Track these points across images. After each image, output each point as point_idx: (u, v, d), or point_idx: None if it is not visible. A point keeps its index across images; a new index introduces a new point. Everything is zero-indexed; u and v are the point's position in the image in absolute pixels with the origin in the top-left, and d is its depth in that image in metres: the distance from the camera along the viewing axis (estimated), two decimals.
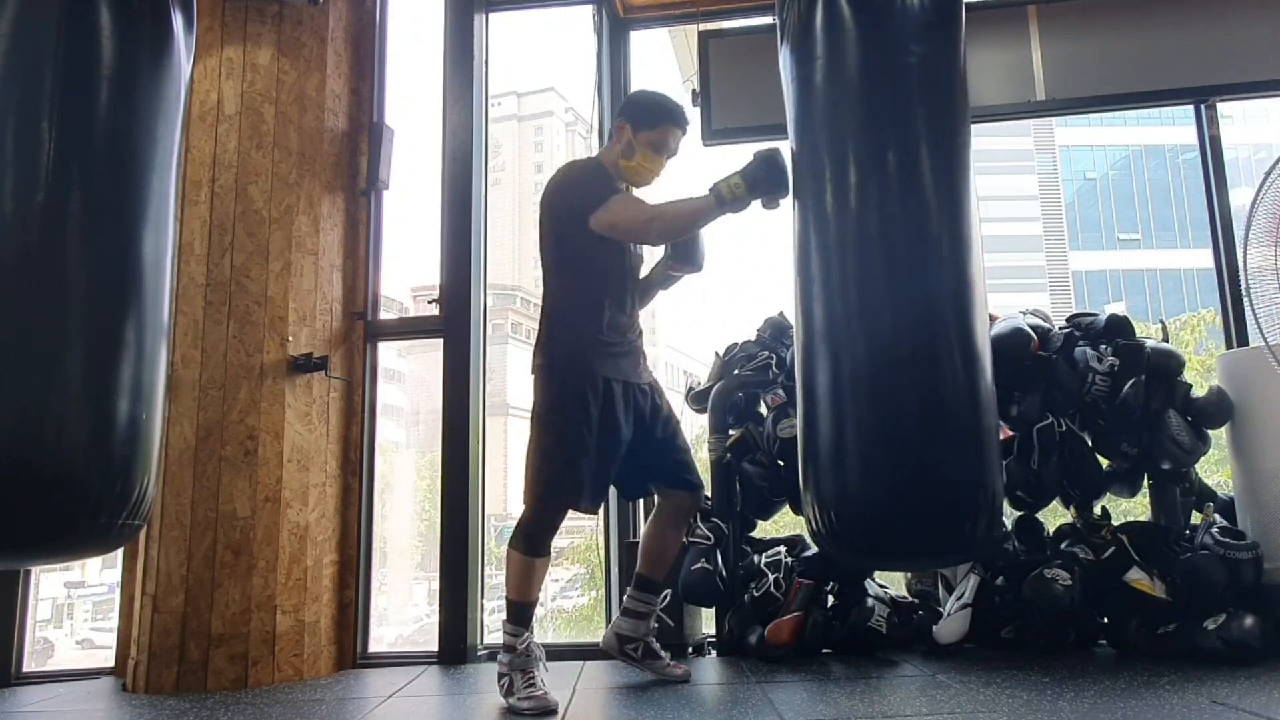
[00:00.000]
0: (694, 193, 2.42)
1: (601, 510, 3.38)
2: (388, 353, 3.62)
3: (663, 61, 4.37)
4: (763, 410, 3.21)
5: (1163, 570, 2.68)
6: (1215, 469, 4.96)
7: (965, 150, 2.44)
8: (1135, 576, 2.68)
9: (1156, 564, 2.70)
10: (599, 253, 2.47)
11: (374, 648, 3.28)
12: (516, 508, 2.47)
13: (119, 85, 2.03)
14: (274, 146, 3.20)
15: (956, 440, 2.25)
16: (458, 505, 3.26)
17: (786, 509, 3.17)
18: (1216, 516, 2.78)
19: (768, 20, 3.70)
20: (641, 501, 3.28)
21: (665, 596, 2.68)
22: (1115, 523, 2.88)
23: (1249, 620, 2.47)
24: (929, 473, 2.22)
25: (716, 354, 3.33)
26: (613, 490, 2.84)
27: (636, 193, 2.65)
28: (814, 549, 2.99)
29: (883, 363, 2.26)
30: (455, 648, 3.15)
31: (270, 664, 2.90)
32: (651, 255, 2.69)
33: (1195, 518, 2.88)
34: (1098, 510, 2.94)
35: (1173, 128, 32.23)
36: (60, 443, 1.86)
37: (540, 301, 2.55)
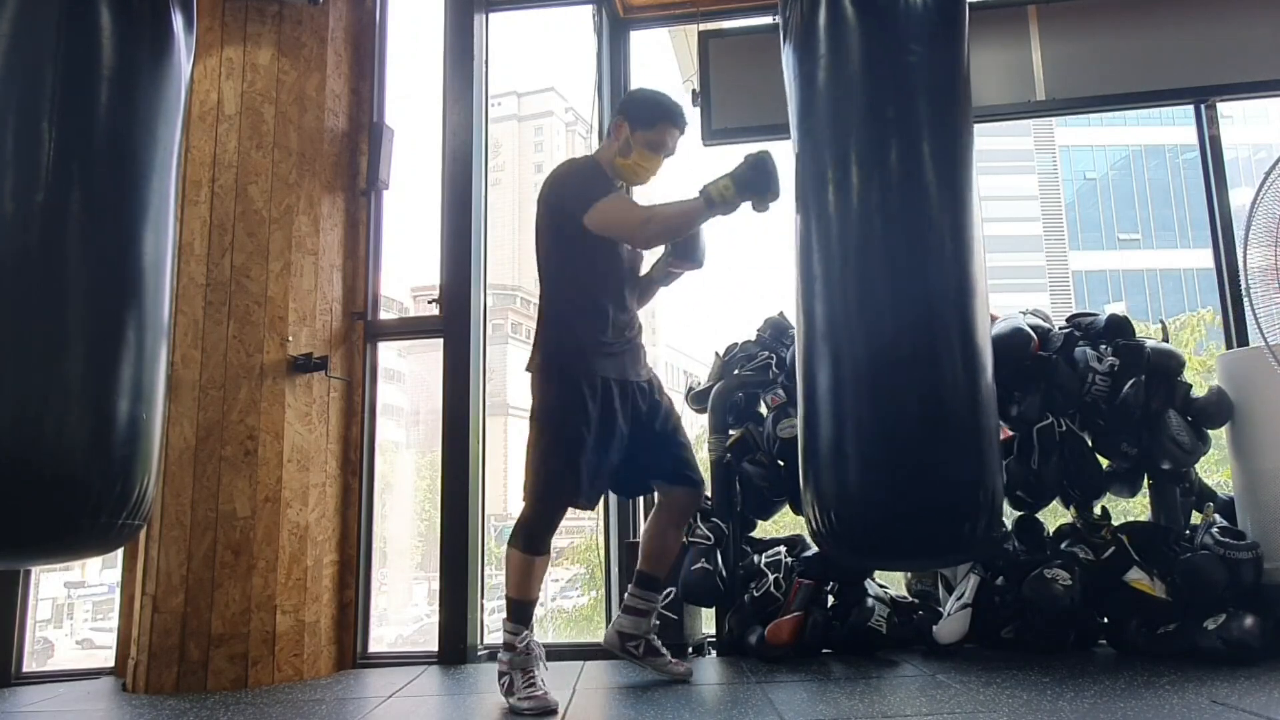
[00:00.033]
0: (685, 195, 2.42)
1: (601, 510, 3.39)
2: (388, 353, 3.62)
3: (663, 61, 4.37)
4: (763, 410, 3.21)
5: (1163, 570, 2.68)
6: (1215, 469, 4.96)
7: (968, 150, 2.44)
8: (1135, 576, 2.68)
9: (1156, 564, 2.70)
10: (596, 251, 2.46)
11: (374, 648, 3.28)
12: (516, 508, 2.47)
13: (119, 85, 2.04)
14: (274, 146, 3.20)
15: (957, 440, 2.25)
16: (458, 505, 3.26)
17: (786, 509, 3.17)
18: (1216, 516, 2.78)
19: (768, 20, 3.70)
20: (641, 501, 3.28)
21: (668, 594, 2.68)
22: (1115, 523, 2.88)
23: (1249, 620, 2.47)
24: (929, 472, 2.22)
25: (716, 354, 3.33)
26: (613, 491, 2.84)
27: (635, 192, 2.65)
28: (814, 549, 2.99)
29: (884, 362, 2.26)
30: (455, 648, 3.15)
31: (270, 664, 2.90)
32: (652, 252, 2.69)
33: (1195, 518, 2.88)
34: (1098, 510, 2.94)
35: (1173, 128, 32.23)
36: (60, 442, 1.86)
37: (537, 300, 2.55)
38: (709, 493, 3.09)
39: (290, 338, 3.10)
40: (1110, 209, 36.35)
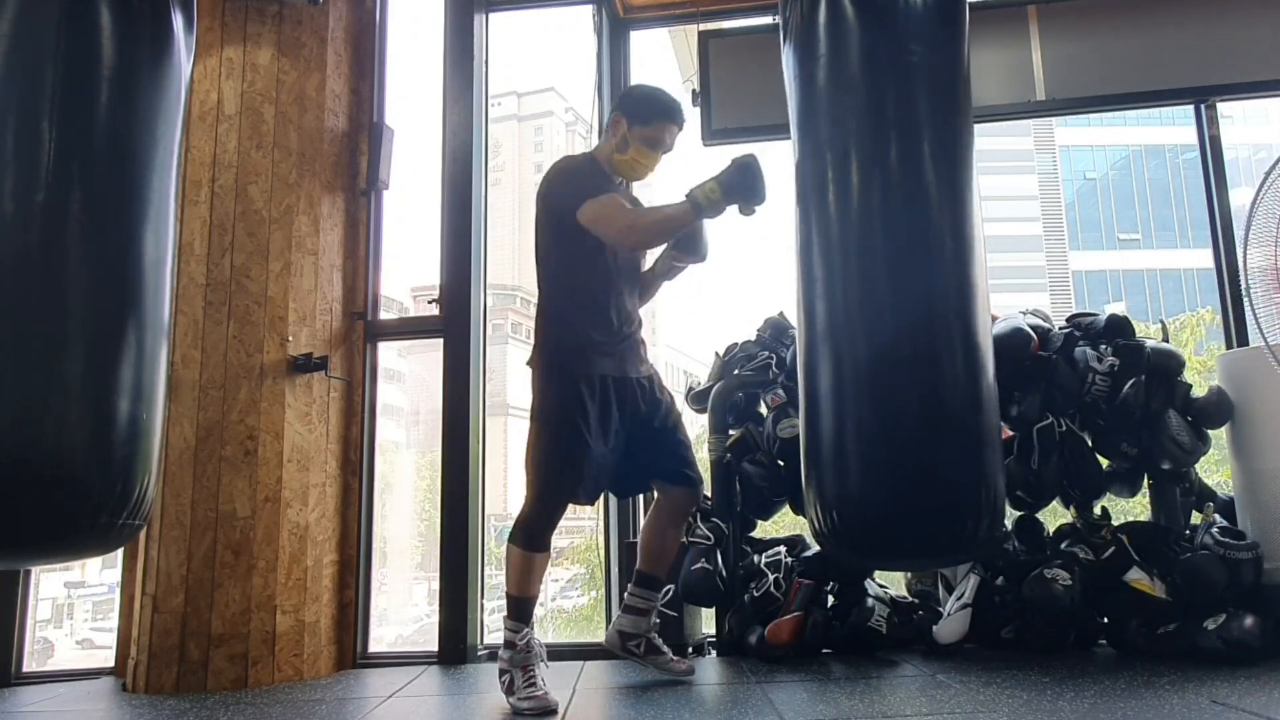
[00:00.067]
0: (672, 199, 2.41)
1: (601, 510, 3.39)
2: (388, 353, 3.62)
3: (663, 61, 4.37)
4: (763, 410, 3.20)
5: (1163, 570, 2.68)
6: (1215, 469, 4.96)
7: (968, 150, 2.44)
8: (1135, 576, 2.68)
9: (1156, 564, 2.69)
10: (594, 247, 2.46)
11: (374, 648, 3.28)
12: (516, 507, 2.48)
13: (119, 85, 2.03)
14: (274, 146, 3.20)
15: (959, 440, 2.25)
16: (458, 505, 3.26)
17: (786, 509, 3.17)
18: (1216, 516, 2.78)
19: (768, 20, 3.70)
20: (641, 500, 3.28)
21: (667, 592, 2.68)
22: (1115, 523, 2.87)
23: (1249, 620, 2.47)
24: (931, 473, 2.22)
25: (716, 354, 3.33)
26: (612, 491, 2.84)
27: (634, 188, 2.64)
28: (814, 549, 2.99)
29: (885, 362, 2.26)
30: (455, 648, 3.15)
31: (270, 664, 2.90)
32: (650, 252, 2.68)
33: (1195, 518, 2.88)
34: (1098, 510, 2.94)
35: (1173, 128, 32.23)
36: (61, 443, 1.86)
37: (537, 297, 2.55)
38: (709, 493, 3.09)
39: (290, 338, 3.10)
40: (1110, 209, 36.35)
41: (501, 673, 2.40)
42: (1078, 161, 37.80)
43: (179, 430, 2.96)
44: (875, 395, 2.26)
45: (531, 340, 2.52)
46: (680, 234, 2.49)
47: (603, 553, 3.41)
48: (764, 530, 3.31)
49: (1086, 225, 36.60)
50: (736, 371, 3.19)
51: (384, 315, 3.57)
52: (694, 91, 3.73)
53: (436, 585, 3.26)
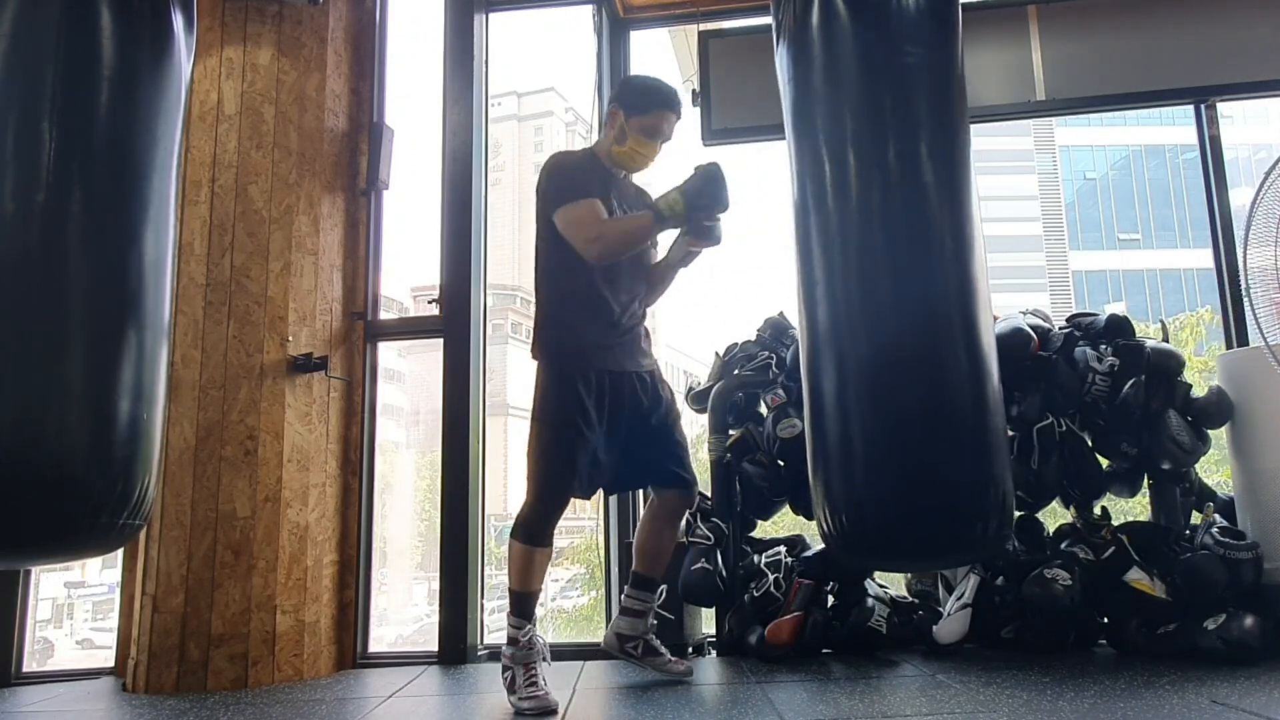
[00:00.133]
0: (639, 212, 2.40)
1: (601, 510, 3.39)
2: (388, 353, 3.62)
3: (663, 61, 4.37)
4: (763, 410, 3.20)
5: (1163, 570, 2.68)
6: (1215, 469, 4.96)
7: (964, 149, 2.44)
8: (1135, 576, 2.68)
9: (1156, 564, 2.69)
10: None
11: (374, 648, 3.28)
12: (516, 507, 2.48)
13: (119, 85, 2.04)
14: (274, 146, 3.20)
15: (963, 440, 2.25)
16: (458, 505, 3.26)
17: (786, 509, 3.17)
18: (1216, 516, 2.78)
19: (767, 20, 3.68)
20: (641, 500, 3.28)
21: (661, 593, 2.68)
22: (1115, 523, 2.88)
23: (1249, 620, 2.47)
24: (937, 474, 2.22)
25: (716, 354, 3.33)
26: (607, 490, 2.83)
27: (635, 179, 2.64)
28: (814, 549, 2.99)
29: (886, 363, 2.26)
30: (455, 648, 3.15)
31: (270, 664, 2.90)
32: (665, 238, 2.64)
33: (1195, 518, 2.88)
34: (1098, 510, 2.94)
35: (1173, 128, 32.21)
36: (61, 443, 1.86)
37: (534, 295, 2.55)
38: (709, 493, 3.09)
39: (290, 338, 3.10)
40: (1110, 209, 36.33)
41: (504, 670, 2.40)
42: (1078, 161, 37.78)
43: (179, 430, 2.96)
44: (878, 396, 2.26)
45: (530, 339, 2.52)
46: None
47: (602, 553, 3.41)
48: (764, 530, 3.31)
49: (1086, 225, 36.58)
50: (736, 371, 3.19)
51: (384, 315, 3.58)
52: (694, 91, 3.73)
53: (436, 585, 3.27)
